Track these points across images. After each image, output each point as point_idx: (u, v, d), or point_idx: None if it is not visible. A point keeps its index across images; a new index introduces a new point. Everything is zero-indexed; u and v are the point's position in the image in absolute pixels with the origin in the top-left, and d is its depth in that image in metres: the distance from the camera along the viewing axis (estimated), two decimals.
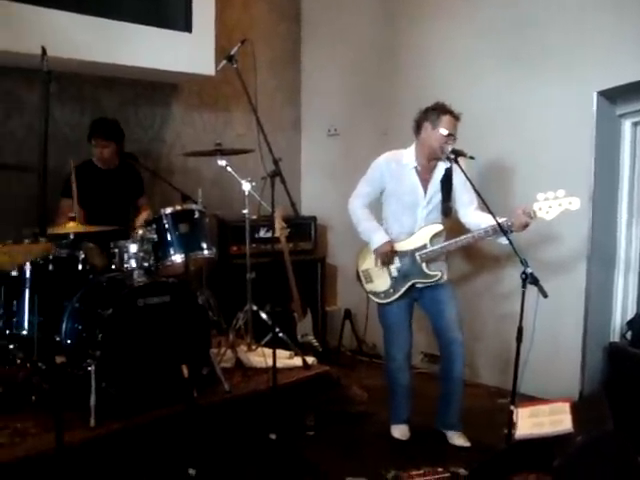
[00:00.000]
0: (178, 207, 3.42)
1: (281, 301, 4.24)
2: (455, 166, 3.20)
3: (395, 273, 3.35)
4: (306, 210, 5.14)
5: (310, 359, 3.76)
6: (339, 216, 4.53)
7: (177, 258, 3.33)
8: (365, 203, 3.43)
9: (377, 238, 3.33)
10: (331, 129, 5.31)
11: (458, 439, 3.33)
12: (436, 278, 3.30)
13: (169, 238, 3.34)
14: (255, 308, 3.84)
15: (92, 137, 3.76)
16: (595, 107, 3.68)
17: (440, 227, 3.31)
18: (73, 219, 3.16)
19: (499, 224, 2.97)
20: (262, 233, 4.72)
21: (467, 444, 3.30)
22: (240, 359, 3.69)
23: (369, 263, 3.43)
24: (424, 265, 3.29)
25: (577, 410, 2.89)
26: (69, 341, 3.03)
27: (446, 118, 3.21)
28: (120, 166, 3.91)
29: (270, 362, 3.17)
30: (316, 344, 4.46)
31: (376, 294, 3.41)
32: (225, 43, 4.23)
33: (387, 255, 3.32)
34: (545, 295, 2.68)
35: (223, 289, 4.46)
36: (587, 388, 3.80)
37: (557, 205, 3.02)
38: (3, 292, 3.07)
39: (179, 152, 4.64)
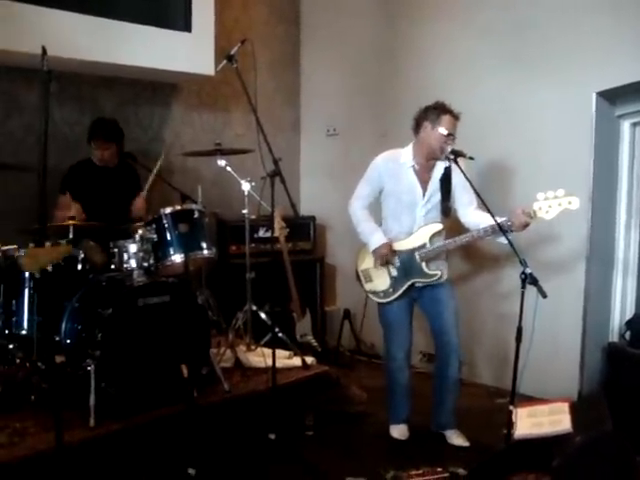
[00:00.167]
0: (178, 207, 3.42)
1: (280, 301, 4.25)
2: (454, 165, 3.21)
3: (395, 272, 3.36)
4: (305, 210, 5.14)
5: (309, 359, 3.76)
6: (338, 216, 4.54)
7: (177, 258, 3.32)
8: (365, 204, 3.43)
9: (375, 240, 3.34)
10: (330, 129, 5.32)
11: (457, 439, 3.34)
12: (436, 277, 3.31)
13: (169, 238, 3.34)
14: (254, 308, 3.84)
15: (92, 139, 3.75)
16: (594, 108, 3.69)
17: (440, 226, 3.31)
18: (72, 218, 3.16)
19: (498, 224, 2.97)
20: (261, 233, 4.73)
21: (466, 444, 3.31)
22: (239, 359, 3.69)
23: (368, 263, 3.43)
24: (424, 264, 3.30)
25: (576, 410, 2.90)
26: (69, 341, 3.03)
27: (446, 118, 3.21)
28: (118, 165, 3.91)
29: (269, 362, 3.17)
30: (315, 344, 4.46)
31: (376, 293, 3.42)
32: (224, 44, 4.24)
33: (386, 256, 3.32)
34: (544, 295, 2.68)
35: (222, 289, 4.46)
36: (586, 388, 3.81)
37: (557, 205, 3.02)
38: (3, 291, 3.06)
39: (178, 152, 4.64)
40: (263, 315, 3.83)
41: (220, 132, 4.98)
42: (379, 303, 3.43)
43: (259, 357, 3.64)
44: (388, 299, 3.37)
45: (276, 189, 3.11)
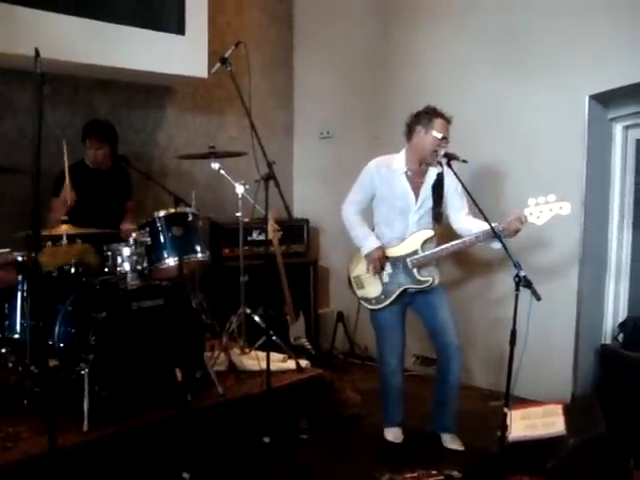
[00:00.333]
0: (172, 210, 3.41)
1: (274, 304, 4.24)
2: (447, 170, 3.21)
3: (386, 279, 3.36)
4: (298, 213, 5.14)
5: (303, 362, 3.76)
6: (331, 219, 4.54)
7: (171, 261, 3.31)
8: (358, 209, 3.43)
9: (368, 244, 3.34)
10: (323, 133, 5.32)
11: (452, 443, 3.34)
12: (428, 284, 3.31)
13: (162, 241, 3.33)
14: (248, 311, 3.84)
15: (86, 138, 3.74)
16: (587, 111, 3.71)
17: (431, 233, 3.32)
18: (66, 222, 3.14)
19: (492, 228, 2.98)
20: (255, 236, 4.72)
21: (461, 448, 3.31)
22: (233, 362, 3.68)
23: (360, 269, 3.43)
24: (415, 271, 3.30)
25: (570, 412, 2.91)
26: (62, 344, 3.02)
27: (439, 121, 3.22)
28: (112, 168, 3.89)
29: (263, 365, 3.17)
30: (309, 347, 4.45)
31: (367, 300, 3.41)
32: (218, 47, 4.23)
33: (378, 261, 3.32)
34: (538, 298, 2.70)
35: (215, 292, 4.45)
36: (579, 390, 3.82)
37: (548, 210, 3.04)
38: None
39: (172, 155, 4.64)
40: (257, 318, 3.82)
41: (214, 135, 4.97)
42: (371, 309, 3.42)
43: (253, 360, 3.64)
44: (380, 305, 3.37)
45: (270, 192, 3.11)
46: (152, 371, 3.00)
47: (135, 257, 3.19)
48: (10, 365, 3.04)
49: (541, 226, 3.09)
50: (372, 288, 3.39)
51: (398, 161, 3.35)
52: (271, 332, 3.54)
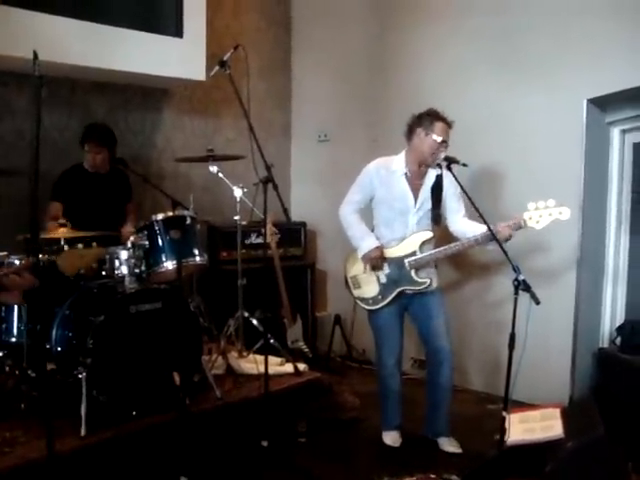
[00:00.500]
0: (170, 213, 3.40)
1: (271, 307, 4.23)
2: (446, 173, 3.22)
3: (384, 279, 3.36)
4: (295, 216, 5.13)
5: (301, 366, 3.75)
6: (329, 222, 4.54)
7: (169, 265, 3.30)
8: (355, 209, 3.43)
9: (367, 243, 3.33)
10: (321, 135, 5.32)
11: (449, 446, 3.33)
12: (425, 285, 3.31)
13: (161, 244, 3.32)
14: (246, 314, 3.83)
15: (85, 142, 3.73)
16: (585, 115, 3.71)
17: (430, 234, 3.32)
18: (64, 225, 3.13)
19: (492, 232, 2.98)
20: (252, 239, 4.71)
21: (459, 450, 3.30)
22: (231, 366, 3.67)
23: (357, 269, 3.43)
24: (413, 272, 3.30)
25: (567, 416, 2.91)
26: (59, 348, 3.00)
27: (439, 125, 3.22)
28: (110, 171, 3.88)
29: (261, 368, 3.16)
30: (306, 350, 4.44)
31: (364, 300, 3.41)
32: (216, 49, 4.23)
33: (376, 260, 3.32)
34: (537, 302, 2.70)
35: (212, 295, 4.44)
36: (577, 394, 3.83)
37: (547, 215, 3.05)
38: None
39: (169, 157, 4.63)
40: (255, 321, 3.82)
41: (211, 137, 4.96)
42: (368, 310, 3.42)
43: (251, 364, 3.63)
44: (376, 306, 3.37)
45: (268, 195, 3.11)
46: (150, 375, 2.99)
47: (133, 260, 3.18)
48: (7, 369, 3.03)
49: (539, 230, 3.10)
50: (369, 288, 3.39)
51: (397, 162, 3.35)
52: (269, 335, 3.54)
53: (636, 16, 3.47)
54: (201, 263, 3.48)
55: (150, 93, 4.65)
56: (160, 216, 3.36)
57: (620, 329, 3.82)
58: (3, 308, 3.06)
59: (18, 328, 3.05)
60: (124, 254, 3.17)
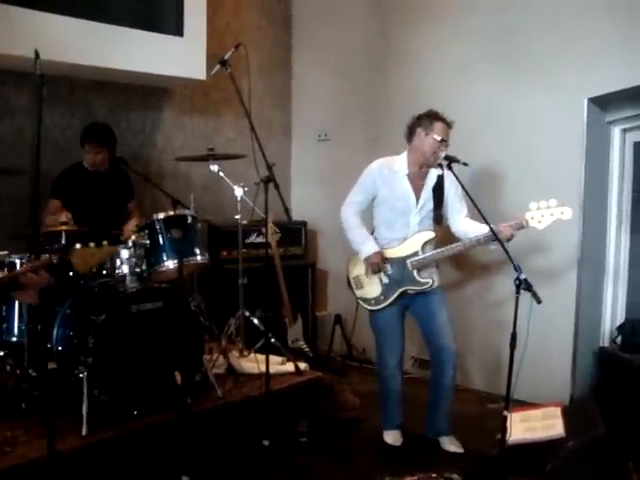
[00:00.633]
0: (171, 212, 3.40)
1: (272, 306, 4.23)
2: (447, 173, 3.23)
3: (386, 280, 3.35)
4: (296, 215, 5.12)
5: (302, 365, 3.74)
6: (329, 221, 4.54)
7: (170, 264, 3.30)
8: (357, 210, 3.42)
9: (367, 248, 3.33)
10: (321, 135, 5.32)
11: (451, 445, 3.33)
12: (427, 285, 3.30)
13: (162, 243, 3.32)
14: (247, 314, 3.83)
15: (85, 142, 3.72)
16: (585, 114, 3.71)
17: (432, 234, 3.32)
18: (64, 224, 3.12)
19: (494, 232, 2.98)
20: (252, 238, 4.71)
21: (460, 450, 3.30)
22: (232, 365, 3.66)
23: (360, 270, 3.42)
24: (415, 272, 3.30)
25: (568, 415, 2.91)
26: (60, 347, 3.00)
27: (439, 124, 3.23)
28: (110, 170, 3.88)
29: (262, 368, 3.17)
30: (307, 349, 4.44)
31: (367, 301, 3.41)
32: (216, 48, 4.23)
33: (377, 265, 3.32)
34: (539, 301, 2.70)
35: (213, 294, 4.44)
36: (577, 393, 3.83)
37: (549, 215, 3.05)
38: None
39: (169, 156, 4.62)
40: (256, 321, 3.81)
41: (211, 137, 4.96)
42: (370, 310, 3.42)
43: (252, 363, 3.62)
44: (379, 306, 3.37)
45: (268, 194, 3.11)
46: (151, 374, 2.98)
47: (134, 259, 3.18)
48: (8, 368, 3.02)
49: (540, 230, 3.10)
50: (371, 289, 3.39)
51: (400, 163, 3.35)
52: (270, 335, 3.54)
53: (636, 15, 3.47)
54: (202, 262, 3.47)
55: (150, 92, 4.64)
56: (161, 215, 3.36)
57: (621, 328, 3.82)
58: (4, 307, 3.05)
59: (19, 327, 3.03)
60: (125, 253, 3.17)
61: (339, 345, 5.01)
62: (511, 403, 2.85)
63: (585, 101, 3.70)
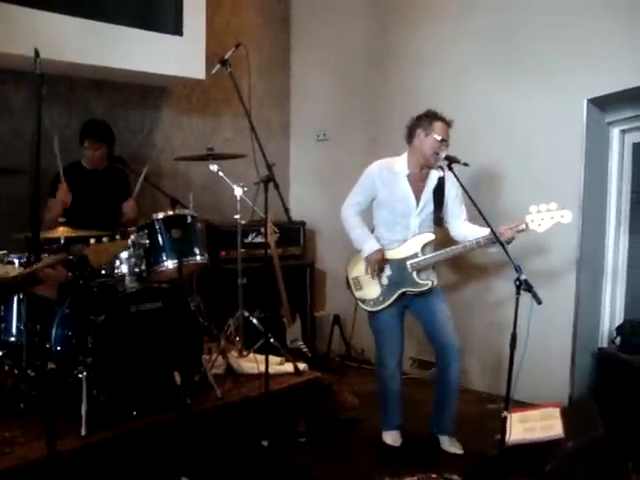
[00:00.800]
0: (170, 212, 3.39)
1: (270, 306, 4.22)
2: (448, 174, 3.22)
3: (385, 281, 3.35)
4: (295, 215, 5.03)
5: (301, 365, 3.74)
6: (328, 221, 4.54)
7: (169, 264, 3.30)
8: (357, 211, 3.42)
9: (368, 246, 3.33)
10: (320, 134, 5.31)
11: (451, 446, 3.33)
12: (427, 287, 3.30)
13: (161, 243, 3.31)
14: (246, 314, 3.82)
15: (84, 138, 3.71)
16: (585, 115, 3.71)
17: (432, 236, 3.32)
18: (63, 224, 3.11)
19: (495, 234, 2.98)
20: (251, 238, 4.70)
21: (460, 451, 3.29)
22: (231, 365, 3.66)
23: (359, 270, 3.42)
24: (415, 274, 3.30)
25: (567, 415, 2.92)
26: (59, 347, 2.99)
27: (439, 124, 3.22)
28: (108, 168, 3.87)
29: (261, 368, 3.17)
30: (305, 350, 4.44)
31: (366, 302, 3.40)
32: (215, 47, 4.23)
33: (378, 263, 3.31)
34: (539, 302, 2.69)
35: (212, 294, 4.43)
36: (576, 393, 3.83)
37: (549, 218, 3.06)
38: None
39: (168, 156, 4.61)
40: (255, 321, 3.81)
41: (210, 136, 4.95)
42: (370, 311, 3.41)
43: (251, 363, 3.63)
44: (378, 308, 3.36)
45: (268, 194, 3.10)
46: (150, 374, 2.97)
47: (133, 259, 3.17)
48: (6, 368, 3.00)
49: (540, 233, 3.11)
50: (371, 290, 3.38)
51: (400, 164, 3.34)
52: (269, 335, 3.53)
53: (636, 16, 3.48)
54: (202, 262, 3.47)
55: (149, 91, 4.63)
56: (161, 215, 3.35)
57: (619, 329, 3.83)
58: (2, 307, 3.05)
59: (17, 327, 3.03)
60: (124, 253, 3.15)
61: (338, 345, 5.01)
62: (511, 403, 2.85)
63: (585, 102, 3.70)
